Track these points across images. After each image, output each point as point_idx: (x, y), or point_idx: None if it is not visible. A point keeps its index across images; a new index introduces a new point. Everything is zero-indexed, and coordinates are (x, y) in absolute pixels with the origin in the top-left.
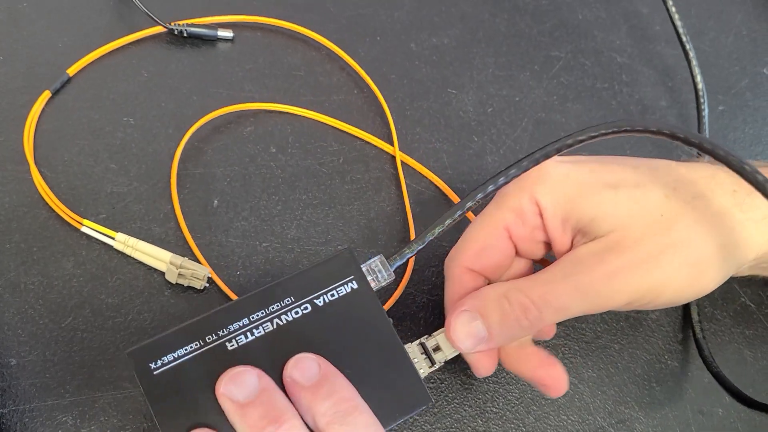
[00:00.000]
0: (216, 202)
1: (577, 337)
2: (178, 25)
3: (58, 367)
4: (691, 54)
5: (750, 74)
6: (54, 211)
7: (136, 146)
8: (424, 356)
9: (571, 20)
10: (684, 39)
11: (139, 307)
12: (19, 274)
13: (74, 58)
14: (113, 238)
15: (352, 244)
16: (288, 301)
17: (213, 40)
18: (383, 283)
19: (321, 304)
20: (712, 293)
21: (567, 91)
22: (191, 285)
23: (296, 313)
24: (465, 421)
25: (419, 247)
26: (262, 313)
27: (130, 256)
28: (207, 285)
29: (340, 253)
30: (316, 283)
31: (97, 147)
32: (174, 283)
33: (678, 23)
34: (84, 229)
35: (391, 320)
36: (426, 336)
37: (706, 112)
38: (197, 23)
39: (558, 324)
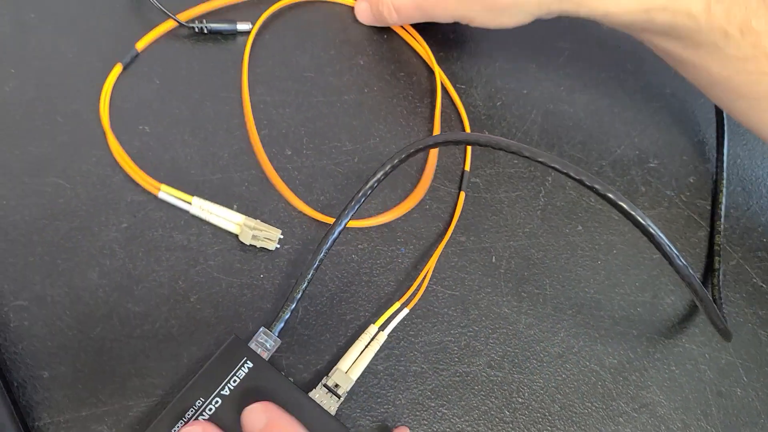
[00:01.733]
0: (235, 206)
1: (597, 325)
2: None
3: (90, 378)
4: None
5: None
6: (75, 222)
7: (152, 153)
8: (329, 394)
9: None
10: None
11: (166, 314)
12: (45, 287)
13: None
14: (189, 203)
15: (372, 242)
16: (199, 402)
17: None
18: (273, 350)
19: (227, 392)
20: (726, 276)
21: (574, 81)
22: (264, 246)
23: (210, 410)
24: (492, 412)
25: (293, 306)
26: (180, 423)
27: (204, 221)
28: (278, 246)
29: (228, 342)
30: (217, 377)
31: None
32: (248, 244)
33: None
34: (161, 195)
35: (291, 379)
36: (325, 377)
37: None
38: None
39: (577, 314)
